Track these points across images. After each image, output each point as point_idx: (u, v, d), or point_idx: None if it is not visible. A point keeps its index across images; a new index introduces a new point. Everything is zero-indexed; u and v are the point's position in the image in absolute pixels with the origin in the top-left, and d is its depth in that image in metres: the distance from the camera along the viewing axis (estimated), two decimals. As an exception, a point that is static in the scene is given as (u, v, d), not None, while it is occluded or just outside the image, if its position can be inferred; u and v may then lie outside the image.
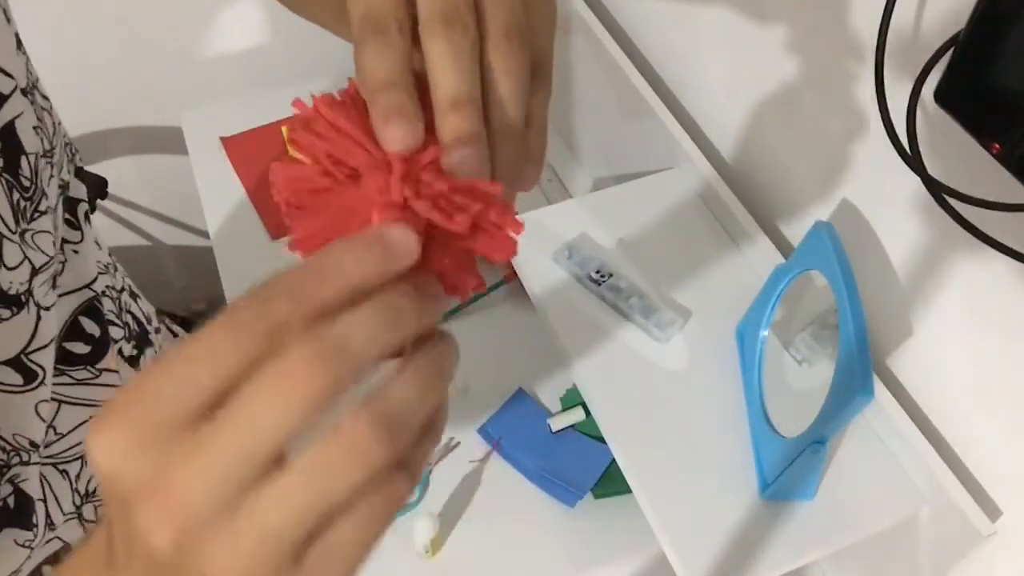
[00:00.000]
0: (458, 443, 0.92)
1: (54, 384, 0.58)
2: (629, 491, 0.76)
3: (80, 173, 0.64)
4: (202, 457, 0.23)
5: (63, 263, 0.59)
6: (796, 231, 0.81)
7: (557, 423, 0.92)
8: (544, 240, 0.83)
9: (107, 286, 0.66)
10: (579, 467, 0.89)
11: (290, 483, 0.24)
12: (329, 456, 0.24)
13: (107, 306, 0.65)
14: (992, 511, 0.63)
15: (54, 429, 0.59)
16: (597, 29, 0.99)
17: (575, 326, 0.77)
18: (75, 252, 0.60)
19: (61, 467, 0.61)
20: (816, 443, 0.61)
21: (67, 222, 0.60)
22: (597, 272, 0.79)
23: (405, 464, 0.26)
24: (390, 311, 0.25)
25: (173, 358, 0.24)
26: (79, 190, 0.62)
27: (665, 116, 0.90)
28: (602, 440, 0.85)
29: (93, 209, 0.68)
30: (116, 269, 0.70)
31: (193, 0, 1.32)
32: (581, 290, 0.80)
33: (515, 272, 0.87)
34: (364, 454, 0.24)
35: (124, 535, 0.25)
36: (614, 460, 0.72)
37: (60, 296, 0.58)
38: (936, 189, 0.54)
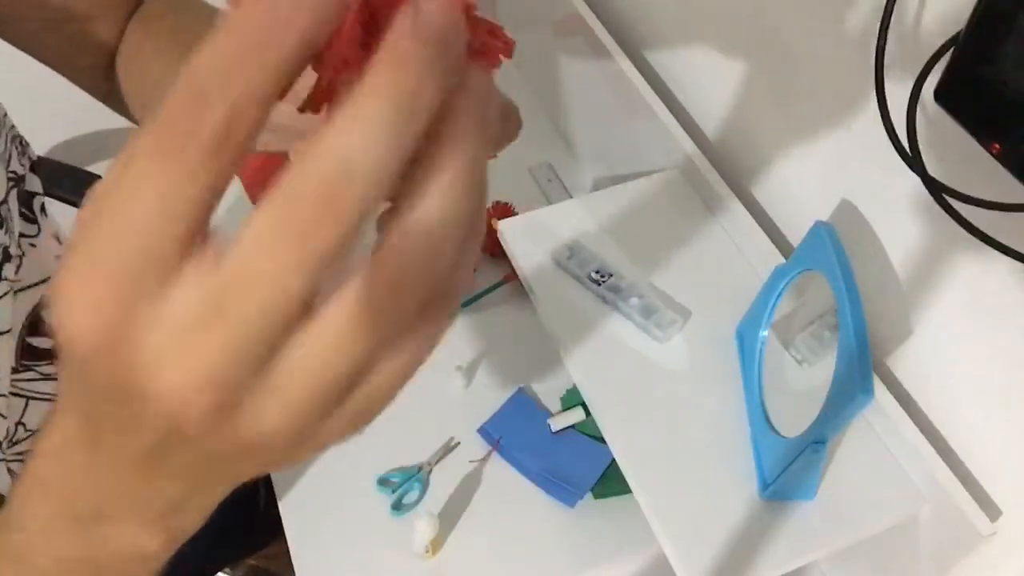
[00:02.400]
0: (458, 443, 0.92)
1: (21, 380, 0.58)
2: (629, 491, 0.76)
3: (34, 167, 0.63)
4: (222, 325, 0.20)
5: (21, 257, 0.58)
6: (796, 231, 0.81)
7: (557, 423, 0.92)
8: (544, 240, 0.83)
9: None
10: (579, 467, 0.89)
11: (325, 334, 0.21)
12: (372, 296, 0.20)
13: None
14: (992, 511, 0.63)
15: (23, 426, 0.59)
16: (597, 29, 0.99)
17: (575, 326, 0.77)
18: (32, 246, 0.60)
19: None
20: (816, 443, 0.61)
21: (23, 216, 0.59)
22: (597, 272, 0.79)
23: (453, 284, 0.22)
24: (402, 96, 0.19)
25: (121, 209, 0.20)
26: (34, 184, 0.61)
27: (665, 116, 0.90)
28: (602, 440, 0.85)
29: None
30: None
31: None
32: (581, 290, 0.80)
33: (515, 272, 0.87)
34: (406, 292, 0.20)
35: (122, 415, 0.22)
36: (614, 460, 0.72)
37: (20, 291, 0.58)
38: (936, 189, 0.54)
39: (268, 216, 0.19)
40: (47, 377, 0.61)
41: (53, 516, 0.27)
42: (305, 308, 0.20)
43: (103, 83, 0.60)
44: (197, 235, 0.20)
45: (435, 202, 0.20)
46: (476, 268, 0.24)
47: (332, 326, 0.21)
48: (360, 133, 0.19)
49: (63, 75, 0.60)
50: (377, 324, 0.21)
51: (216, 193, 0.20)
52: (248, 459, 0.24)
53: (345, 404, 0.23)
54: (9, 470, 0.58)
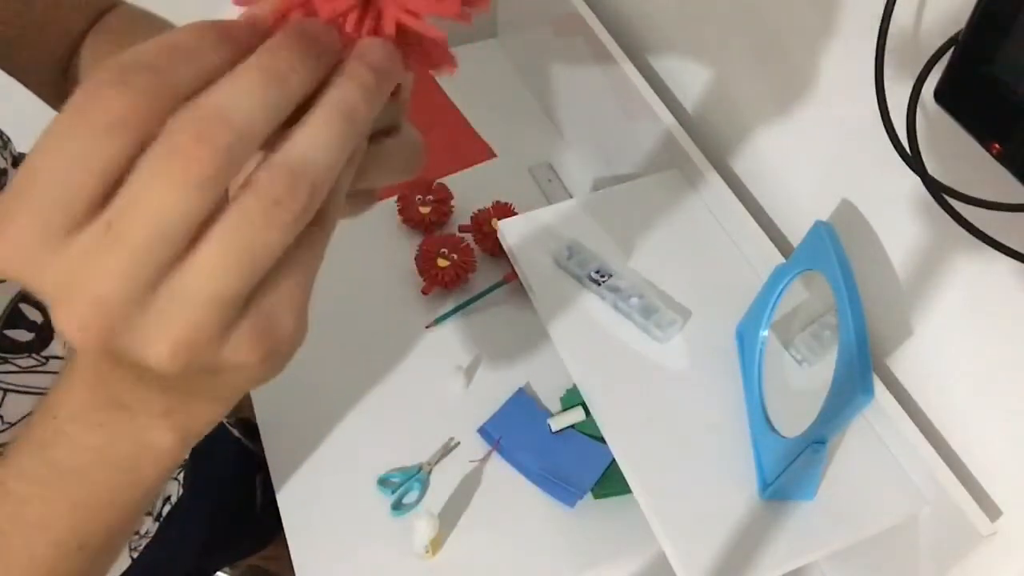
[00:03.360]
0: (458, 443, 0.92)
1: None
2: (629, 491, 0.76)
3: (16, 162, 0.64)
4: (110, 252, 0.22)
5: None
6: (796, 231, 0.81)
7: (557, 423, 0.92)
8: (544, 240, 0.83)
9: None
10: (579, 467, 0.89)
11: (213, 252, 0.23)
12: (247, 214, 0.23)
13: None
14: (992, 511, 0.63)
15: (1, 419, 0.59)
16: (597, 29, 0.99)
17: (575, 326, 0.77)
18: None
19: None
20: (816, 443, 0.61)
21: None
22: (597, 272, 0.79)
23: (326, 209, 0.25)
24: (272, 68, 0.24)
25: (48, 160, 0.23)
26: (7, 176, 0.62)
27: (665, 116, 0.90)
28: (602, 440, 0.85)
29: None
30: None
31: (193, 0, 1.32)
32: (581, 290, 0.80)
33: (515, 272, 0.87)
34: (282, 205, 0.23)
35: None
36: (614, 460, 0.72)
37: None
38: (936, 189, 0.54)
39: (153, 151, 0.22)
40: (25, 370, 0.61)
41: (81, 402, 0.31)
42: (189, 234, 0.23)
43: (51, 93, 0.63)
44: (110, 193, 0.23)
45: (301, 140, 0.24)
46: (347, 205, 0.29)
47: (209, 253, 0.23)
48: (234, 91, 0.23)
49: (23, 83, 0.63)
50: (256, 243, 0.23)
51: (125, 162, 0.23)
52: (177, 380, 0.26)
53: (235, 331, 0.25)
54: None
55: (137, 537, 0.82)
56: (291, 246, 0.24)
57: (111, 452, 0.32)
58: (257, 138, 0.23)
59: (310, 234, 0.25)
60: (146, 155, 0.22)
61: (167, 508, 0.85)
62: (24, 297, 0.61)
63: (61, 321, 0.23)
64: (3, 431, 0.60)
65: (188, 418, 0.31)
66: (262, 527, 1.07)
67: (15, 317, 0.60)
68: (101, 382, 0.30)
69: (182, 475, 0.88)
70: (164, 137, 0.22)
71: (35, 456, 0.33)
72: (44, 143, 0.23)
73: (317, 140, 0.24)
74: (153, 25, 0.63)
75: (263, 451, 0.91)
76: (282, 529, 0.86)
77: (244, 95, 0.23)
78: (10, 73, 0.61)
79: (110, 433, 0.31)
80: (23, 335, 0.61)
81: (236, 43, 0.24)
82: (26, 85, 0.63)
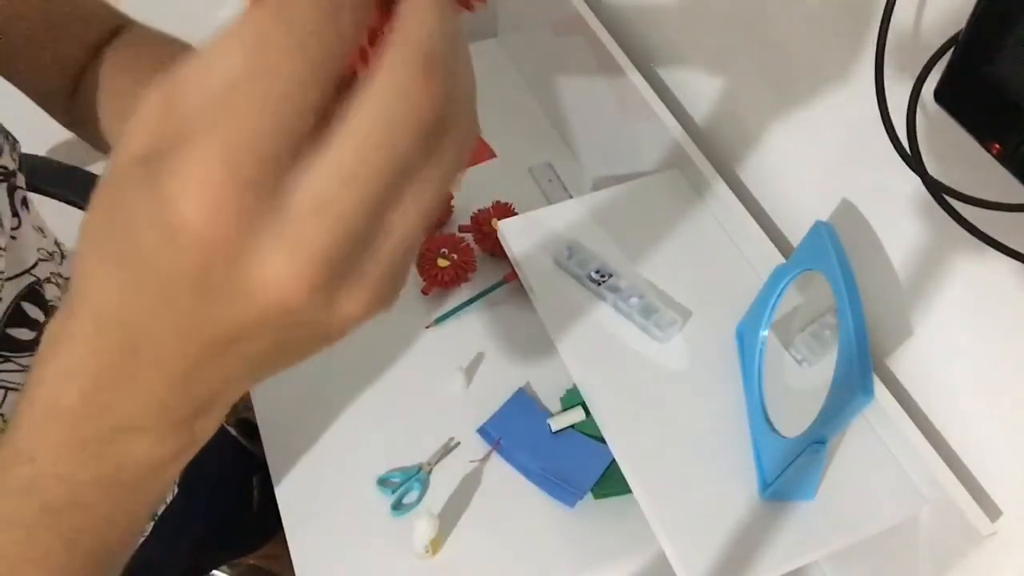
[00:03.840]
0: (458, 443, 0.92)
1: (0, 372, 0.59)
2: (629, 491, 0.76)
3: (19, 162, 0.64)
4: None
5: (3, 250, 0.59)
6: (796, 231, 0.81)
7: (557, 423, 0.92)
8: (544, 240, 0.83)
9: (52, 273, 0.66)
10: (579, 467, 0.89)
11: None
12: (377, 124, 0.21)
13: (52, 292, 0.65)
14: (992, 511, 0.63)
15: (2, 417, 0.60)
16: (597, 29, 0.99)
17: (575, 326, 0.77)
18: (13, 238, 0.61)
19: None
20: (816, 443, 0.61)
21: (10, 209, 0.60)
22: (597, 272, 0.79)
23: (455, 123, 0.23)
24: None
25: (239, 100, 0.20)
26: (19, 179, 0.62)
27: (665, 116, 0.90)
28: (602, 440, 0.85)
29: None
30: (64, 257, 0.70)
31: (193, 1, 1.32)
32: (581, 290, 0.80)
33: (515, 272, 0.87)
34: (415, 102, 0.21)
35: (212, 302, 0.22)
36: (614, 460, 0.72)
37: (1, 283, 0.59)
38: (936, 189, 0.54)
39: (364, 100, 0.21)
40: (27, 368, 0.61)
41: (66, 439, 0.27)
42: (312, 134, 0.21)
43: (62, 110, 0.64)
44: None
45: (430, 11, 0.22)
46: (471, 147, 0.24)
47: (341, 163, 0.21)
48: (432, 18, 0.21)
49: (27, 95, 0.63)
50: (415, 116, 0.21)
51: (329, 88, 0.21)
52: (277, 323, 0.23)
53: (364, 261, 0.23)
54: None
55: None
56: (422, 166, 0.23)
57: (111, 478, 0.29)
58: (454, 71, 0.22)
59: (441, 145, 0.23)
60: (366, 94, 0.21)
61: (161, 507, 0.85)
62: (26, 296, 0.62)
63: (281, 278, 0.21)
64: (4, 429, 0.60)
65: (194, 425, 0.28)
66: (259, 527, 1.07)
67: (18, 316, 0.61)
68: (101, 412, 0.26)
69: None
70: (385, 71, 0.21)
71: (21, 503, 0.30)
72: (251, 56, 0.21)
73: (441, 23, 0.22)
74: (167, 45, 0.63)
75: (262, 451, 0.91)
76: (281, 529, 0.86)
77: (442, 26, 0.22)
78: (16, 82, 0.61)
79: (107, 466, 0.28)
80: (25, 334, 0.61)
81: None
82: (30, 95, 0.63)
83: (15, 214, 0.61)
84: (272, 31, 0.20)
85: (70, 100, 0.63)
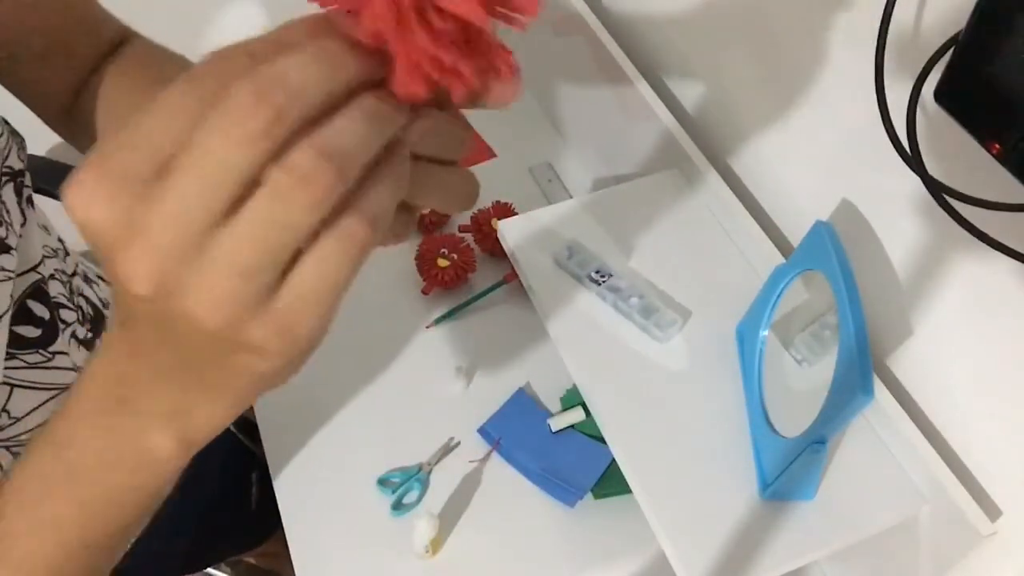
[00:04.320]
0: (458, 443, 0.92)
1: (6, 368, 0.59)
2: (629, 491, 0.76)
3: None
4: (168, 200, 0.24)
5: (14, 248, 0.59)
6: (796, 231, 0.81)
7: (557, 423, 0.92)
8: (544, 240, 0.83)
9: (56, 270, 0.66)
10: (579, 467, 0.89)
11: (247, 217, 0.25)
12: (278, 187, 0.25)
13: (56, 289, 0.65)
14: (992, 511, 0.63)
15: (8, 413, 0.60)
16: (597, 29, 0.99)
17: (575, 326, 0.77)
18: (19, 236, 0.61)
19: (15, 450, 0.61)
20: (816, 443, 0.61)
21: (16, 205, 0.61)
22: (597, 272, 0.79)
23: (359, 205, 0.26)
24: (328, 57, 0.26)
25: (138, 119, 0.25)
26: (26, 178, 0.62)
27: (665, 116, 0.90)
28: (602, 440, 0.85)
29: None
30: (67, 254, 0.71)
31: (193, 1, 1.32)
32: (581, 290, 0.80)
33: (515, 272, 0.87)
34: (310, 182, 0.24)
35: (117, 291, 0.27)
36: (614, 460, 0.72)
37: (8, 280, 0.59)
38: (936, 189, 0.54)
39: (215, 108, 0.24)
40: (32, 365, 0.61)
41: (91, 402, 0.33)
42: (236, 190, 0.25)
43: (61, 121, 0.65)
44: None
45: (347, 114, 0.26)
46: (390, 201, 0.28)
47: (250, 212, 0.25)
48: (294, 62, 0.25)
49: (27, 105, 0.64)
50: (285, 215, 0.25)
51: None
52: (202, 352, 0.28)
53: (272, 302, 0.26)
54: None
55: None
56: (322, 236, 0.26)
57: (115, 455, 0.33)
58: (307, 108, 0.25)
59: (341, 226, 0.26)
60: (210, 112, 0.24)
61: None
62: (32, 294, 0.62)
63: (119, 266, 0.25)
64: (10, 425, 0.60)
65: (189, 423, 0.31)
66: (258, 524, 1.07)
67: (23, 313, 0.61)
68: (116, 373, 0.31)
69: None
70: (224, 98, 0.24)
71: (52, 455, 0.35)
72: (148, 108, 0.25)
73: (347, 127, 0.25)
74: (170, 60, 0.64)
75: (261, 449, 0.91)
76: (280, 527, 0.86)
77: (302, 67, 0.25)
78: (17, 92, 0.61)
79: (114, 436, 0.32)
80: (31, 331, 0.61)
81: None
82: (31, 106, 0.63)
83: (21, 212, 0.62)
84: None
85: (68, 113, 0.63)
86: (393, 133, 0.27)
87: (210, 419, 0.32)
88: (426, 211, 1.08)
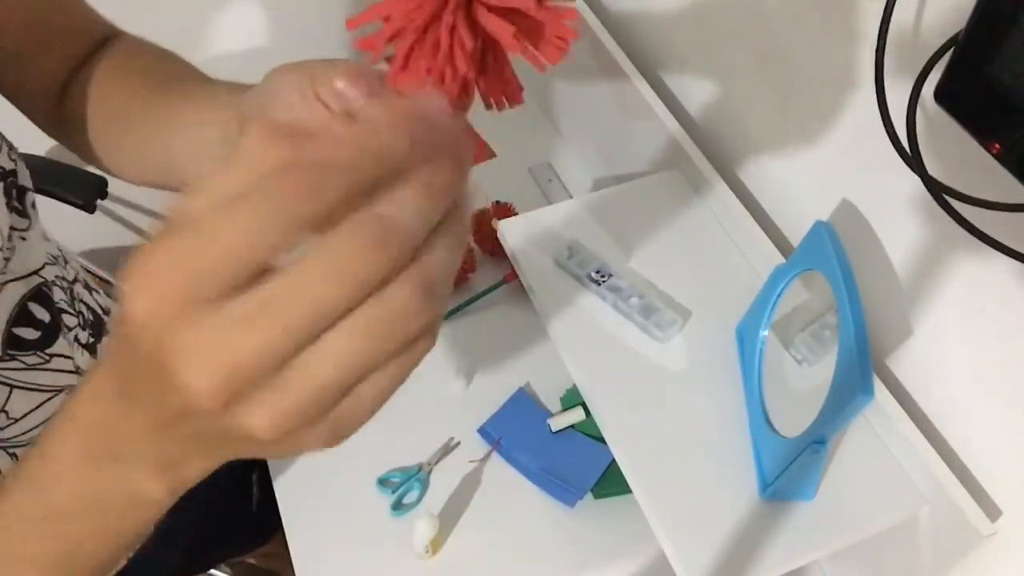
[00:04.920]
0: (458, 443, 0.92)
1: (6, 369, 0.59)
2: (629, 491, 0.76)
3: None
4: (261, 327, 0.24)
5: (11, 249, 0.59)
6: (796, 231, 0.81)
7: (557, 423, 0.92)
8: (544, 240, 0.83)
9: (57, 276, 0.67)
10: (579, 467, 0.89)
11: (339, 347, 0.25)
12: (379, 321, 0.25)
13: (59, 295, 0.65)
14: (992, 511, 0.63)
15: (6, 414, 0.60)
16: (597, 29, 0.99)
17: (575, 326, 0.77)
18: (23, 239, 0.61)
19: (12, 451, 0.61)
20: (816, 443, 0.61)
21: (15, 210, 0.61)
22: (597, 272, 0.79)
23: (433, 324, 0.27)
24: (433, 186, 0.26)
25: (213, 225, 0.24)
26: (24, 179, 0.63)
27: (665, 116, 0.90)
28: (602, 440, 0.85)
29: (92, 209, 0.69)
30: (67, 262, 0.71)
31: (194, 1, 1.32)
32: (581, 290, 0.80)
33: (515, 272, 0.87)
34: (410, 320, 0.25)
35: (153, 383, 0.26)
36: (614, 460, 0.72)
37: (8, 282, 0.59)
38: (936, 189, 0.54)
39: (330, 246, 0.24)
40: (31, 367, 0.61)
41: (79, 450, 0.32)
42: (330, 323, 0.24)
43: (48, 117, 0.64)
44: (270, 266, 0.24)
45: (440, 256, 0.26)
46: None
47: (347, 339, 0.25)
48: (404, 201, 0.25)
49: (12, 102, 0.63)
50: (382, 347, 0.25)
51: (299, 238, 0.24)
52: (237, 444, 0.27)
53: (332, 413, 0.26)
54: None
55: None
56: (398, 358, 0.26)
57: (104, 500, 0.32)
58: (415, 248, 0.25)
59: (418, 347, 0.27)
60: (324, 243, 0.24)
61: None
62: (33, 296, 0.62)
63: (190, 376, 0.24)
64: (8, 426, 0.60)
65: (181, 472, 0.31)
66: (258, 525, 1.07)
67: (24, 315, 0.61)
68: (106, 426, 0.30)
69: None
70: (344, 235, 0.24)
71: (33, 498, 0.34)
72: (231, 203, 0.24)
73: (448, 257, 0.26)
74: (157, 58, 0.64)
75: (262, 451, 0.91)
76: (280, 527, 0.86)
77: (411, 207, 0.25)
78: (2, 89, 0.62)
79: (101, 482, 0.32)
80: (30, 333, 0.61)
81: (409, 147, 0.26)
82: (17, 105, 0.63)
83: (24, 215, 0.62)
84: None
85: (55, 111, 0.63)
86: (460, 187, 0.27)
87: (206, 470, 0.31)
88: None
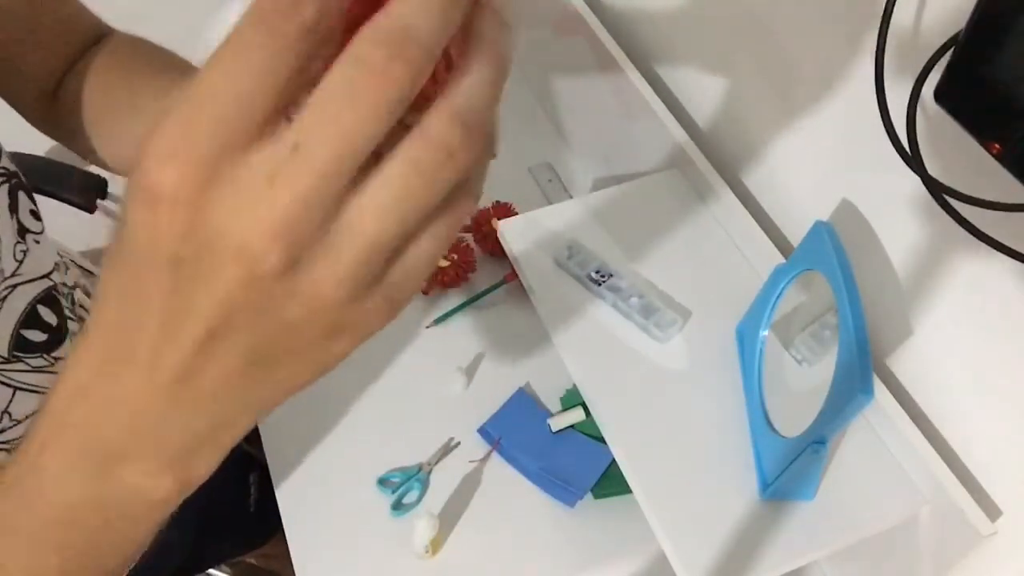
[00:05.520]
0: (458, 443, 0.92)
1: (11, 371, 0.59)
2: (629, 491, 0.76)
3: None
4: (298, 173, 0.22)
5: (25, 252, 0.60)
6: (796, 231, 0.81)
7: (557, 423, 0.92)
8: (544, 240, 0.83)
9: (59, 282, 0.67)
10: (579, 467, 0.89)
11: (385, 192, 0.23)
12: (422, 161, 0.23)
13: (62, 301, 0.66)
14: (992, 511, 0.63)
15: (9, 415, 0.60)
16: (597, 29, 0.99)
17: (575, 326, 0.77)
18: (36, 242, 0.62)
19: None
20: (816, 443, 0.61)
21: (32, 212, 0.61)
22: (597, 272, 0.79)
23: (473, 177, 0.25)
24: None
25: (230, 66, 0.22)
26: (21, 180, 0.63)
27: (665, 116, 0.90)
28: (602, 440, 0.85)
29: (92, 209, 0.69)
30: (67, 268, 0.71)
31: (194, 1, 1.32)
32: (581, 290, 0.80)
33: (515, 272, 0.87)
34: (447, 159, 0.23)
35: (195, 270, 0.23)
36: (614, 460, 0.72)
37: (21, 284, 0.59)
38: (936, 189, 0.53)
39: (342, 68, 0.21)
40: (36, 369, 0.62)
41: (70, 454, 0.28)
42: (371, 160, 0.22)
43: (42, 114, 0.64)
44: (284, 110, 0.22)
45: (471, 85, 0.23)
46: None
47: (389, 185, 0.23)
48: (416, 7, 0.22)
49: (8, 103, 0.63)
50: (426, 191, 0.23)
51: (305, 74, 0.22)
52: (295, 340, 0.25)
53: (385, 276, 0.24)
54: None
55: None
56: (440, 214, 0.24)
57: (104, 505, 0.29)
58: (437, 57, 0.22)
59: (458, 205, 0.25)
60: (334, 72, 0.22)
61: None
62: (43, 299, 0.62)
63: (250, 236, 0.22)
64: (11, 428, 0.60)
65: (190, 464, 0.28)
66: (257, 525, 1.07)
67: (32, 318, 0.61)
68: (104, 430, 0.27)
69: None
70: (354, 54, 0.22)
71: (22, 510, 0.31)
72: (224, 51, 0.22)
73: (482, 86, 0.23)
74: (152, 55, 0.64)
75: (260, 451, 0.91)
76: (280, 527, 0.86)
77: (424, 11, 0.22)
78: None
79: (110, 488, 0.29)
80: (38, 336, 0.62)
81: None
82: (8, 100, 0.63)
83: (39, 218, 0.62)
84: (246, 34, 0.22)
85: (49, 108, 0.64)
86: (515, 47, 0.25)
87: (222, 449, 0.29)
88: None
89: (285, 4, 0.21)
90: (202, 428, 0.27)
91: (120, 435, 0.27)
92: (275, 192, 0.22)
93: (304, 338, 0.25)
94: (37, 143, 0.74)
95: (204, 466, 0.29)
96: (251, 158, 0.22)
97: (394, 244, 0.24)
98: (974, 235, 0.52)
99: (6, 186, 0.59)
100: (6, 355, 0.59)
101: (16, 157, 0.62)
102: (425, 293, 1.02)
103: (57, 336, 0.64)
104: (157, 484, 0.28)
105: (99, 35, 0.64)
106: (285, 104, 0.22)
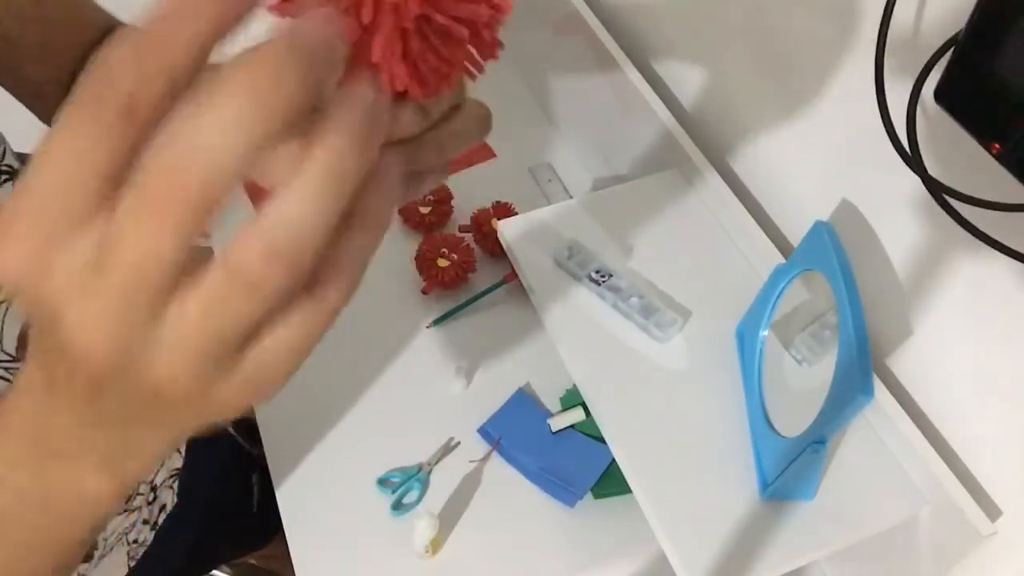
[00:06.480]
0: (458, 443, 0.92)
1: (11, 371, 0.59)
2: (629, 491, 0.76)
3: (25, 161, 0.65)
4: (100, 289, 0.22)
5: None
6: (796, 231, 0.81)
7: (557, 423, 0.92)
8: (544, 240, 0.83)
9: None
10: (579, 467, 0.89)
11: (195, 302, 0.23)
12: (222, 291, 0.23)
13: None
14: (992, 511, 0.63)
15: None
16: (597, 29, 0.99)
17: (575, 326, 0.77)
18: None
19: None
20: (816, 443, 0.61)
21: None
22: (597, 272, 0.79)
23: (329, 274, 0.24)
24: (262, 96, 0.21)
25: (45, 164, 0.22)
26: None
27: (665, 116, 0.90)
28: (602, 440, 0.85)
29: None
30: None
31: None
32: (581, 290, 0.80)
33: (515, 272, 0.87)
34: (257, 287, 0.22)
35: (58, 352, 0.24)
36: (614, 460, 0.72)
37: None
38: (936, 189, 0.53)
39: (132, 190, 0.22)
40: None
41: (17, 450, 0.30)
42: (180, 265, 0.22)
43: (50, 107, 0.64)
44: (112, 190, 0.22)
45: (294, 196, 0.22)
46: (367, 255, 0.26)
47: (210, 286, 0.23)
48: (216, 123, 0.20)
49: (20, 101, 0.64)
50: (252, 291, 0.23)
51: (127, 154, 0.22)
52: (162, 408, 0.26)
53: (239, 365, 0.25)
54: None
55: (136, 546, 0.82)
56: (292, 308, 0.24)
57: (50, 500, 0.31)
58: (235, 178, 0.21)
59: (314, 298, 0.24)
60: (125, 193, 0.22)
61: (163, 517, 0.85)
62: None
63: (75, 333, 0.23)
64: None
65: (128, 462, 0.30)
66: (259, 526, 1.07)
67: None
68: (40, 425, 0.28)
69: (176, 483, 0.88)
70: (139, 176, 0.21)
71: None
72: (52, 135, 0.22)
73: (299, 207, 0.22)
74: None
75: (261, 451, 0.91)
76: (281, 528, 0.86)
77: (224, 129, 0.20)
78: (4, 84, 0.61)
79: (49, 482, 0.30)
80: None
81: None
82: (19, 98, 0.63)
83: None
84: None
85: (62, 102, 0.63)
86: (367, 163, 0.23)
87: (152, 456, 0.30)
88: (427, 210, 1.08)
89: (103, 86, 0.21)
90: (119, 440, 0.28)
91: (54, 437, 0.28)
92: (91, 285, 0.22)
93: (161, 412, 0.26)
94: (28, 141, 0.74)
95: (137, 468, 0.30)
96: (78, 243, 0.22)
97: (229, 337, 0.24)
98: (974, 235, 0.52)
99: (10, 184, 0.59)
100: (13, 354, 0.59)
101: (21, 156, 0.62)
102: (425, 293, 1.02)
103: None
104: (93, 485, 0.29)
105: (110, 28, 0.64)
106: (117, 185, 0.22)
